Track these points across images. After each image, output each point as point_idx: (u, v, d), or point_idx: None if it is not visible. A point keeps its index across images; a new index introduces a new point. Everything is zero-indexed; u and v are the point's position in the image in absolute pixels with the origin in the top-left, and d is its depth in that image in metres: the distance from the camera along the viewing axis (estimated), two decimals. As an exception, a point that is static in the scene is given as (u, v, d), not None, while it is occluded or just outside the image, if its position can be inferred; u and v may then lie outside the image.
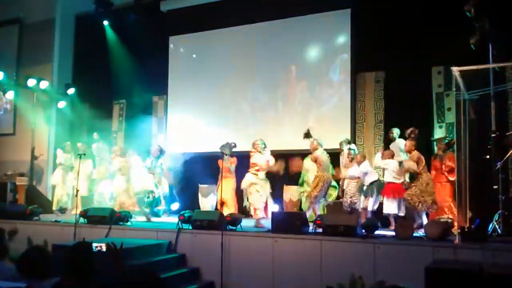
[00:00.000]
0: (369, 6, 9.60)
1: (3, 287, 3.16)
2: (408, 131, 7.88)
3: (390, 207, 7.53)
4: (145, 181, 9.56)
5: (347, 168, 8.20)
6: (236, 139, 9.33)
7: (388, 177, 7.71)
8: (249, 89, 11.06)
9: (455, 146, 6.78)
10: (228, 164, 8.85)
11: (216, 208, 8.98)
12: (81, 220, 8.05)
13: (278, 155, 8.87)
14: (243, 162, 8.77)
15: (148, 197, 9.20)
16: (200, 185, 9.90)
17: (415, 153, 7.46)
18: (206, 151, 10.50)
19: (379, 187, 7.79)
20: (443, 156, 7.68)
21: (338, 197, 8.63)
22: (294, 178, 9.33)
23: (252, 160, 8.36)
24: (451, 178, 7.36)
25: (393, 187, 7.59)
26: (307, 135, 8.52)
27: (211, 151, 9.89)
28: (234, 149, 8.94)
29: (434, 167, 7.82)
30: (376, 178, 7.93)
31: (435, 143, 8.45)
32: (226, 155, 8.70)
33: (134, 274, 2.65)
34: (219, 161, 8.80)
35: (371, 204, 7.73)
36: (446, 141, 7.90)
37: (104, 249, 3.44)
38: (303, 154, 9.12)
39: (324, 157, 8.21)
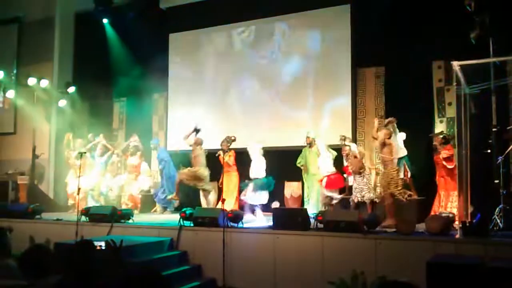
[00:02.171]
0: (368, 1, 9.56)
1: (5, 285, 3.16)
2: (386, 121, 7.87)
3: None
4: None
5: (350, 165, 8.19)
6: (238, 135, 9.31)
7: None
8: (250, 85, 11.03)
9: (454, 141, 6.76)
10: (227, 158, 8.83)
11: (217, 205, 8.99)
12: (83, 218, 8.07)
13: (278, 151, 8.84)
14: (244, 158, 8.77)
15: None
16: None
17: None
18: (207, 148, 10.44)
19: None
20: (440, 149, 7.66)
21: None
22: (295, 174, 9.32)
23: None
24: (449, 166, 7.34)
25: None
26: None
27: (212, 148, 9.85)
28: (233, 145, 8.93)
29: (436, 162, 7.80)
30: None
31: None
32: (223, 150, 8.73)
33: (136, 272, 2.65)
34: (220, 157, 8.80)
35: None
36: (442, 136, 7.86)
37: (103, 247, 3.45)
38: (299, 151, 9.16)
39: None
